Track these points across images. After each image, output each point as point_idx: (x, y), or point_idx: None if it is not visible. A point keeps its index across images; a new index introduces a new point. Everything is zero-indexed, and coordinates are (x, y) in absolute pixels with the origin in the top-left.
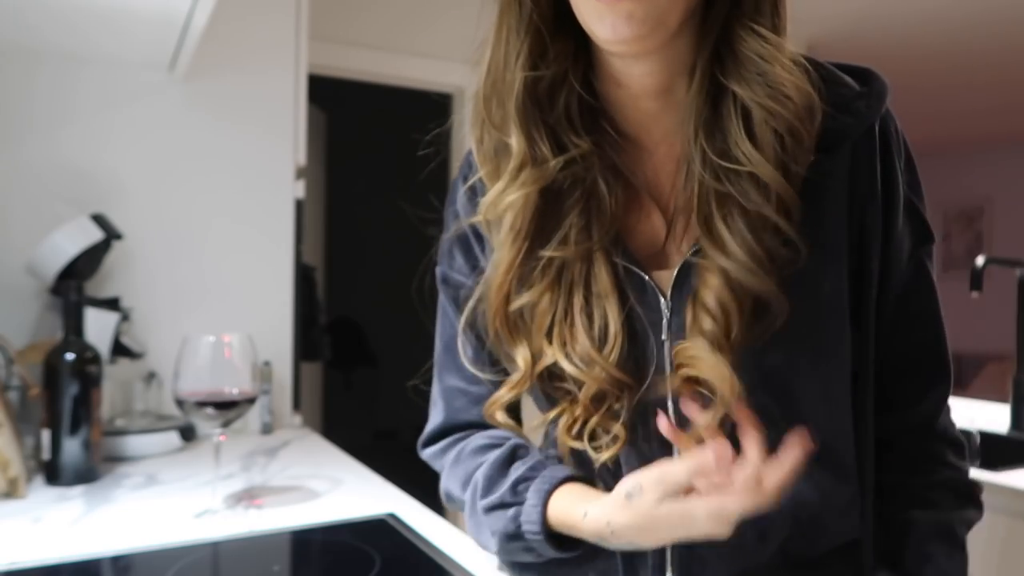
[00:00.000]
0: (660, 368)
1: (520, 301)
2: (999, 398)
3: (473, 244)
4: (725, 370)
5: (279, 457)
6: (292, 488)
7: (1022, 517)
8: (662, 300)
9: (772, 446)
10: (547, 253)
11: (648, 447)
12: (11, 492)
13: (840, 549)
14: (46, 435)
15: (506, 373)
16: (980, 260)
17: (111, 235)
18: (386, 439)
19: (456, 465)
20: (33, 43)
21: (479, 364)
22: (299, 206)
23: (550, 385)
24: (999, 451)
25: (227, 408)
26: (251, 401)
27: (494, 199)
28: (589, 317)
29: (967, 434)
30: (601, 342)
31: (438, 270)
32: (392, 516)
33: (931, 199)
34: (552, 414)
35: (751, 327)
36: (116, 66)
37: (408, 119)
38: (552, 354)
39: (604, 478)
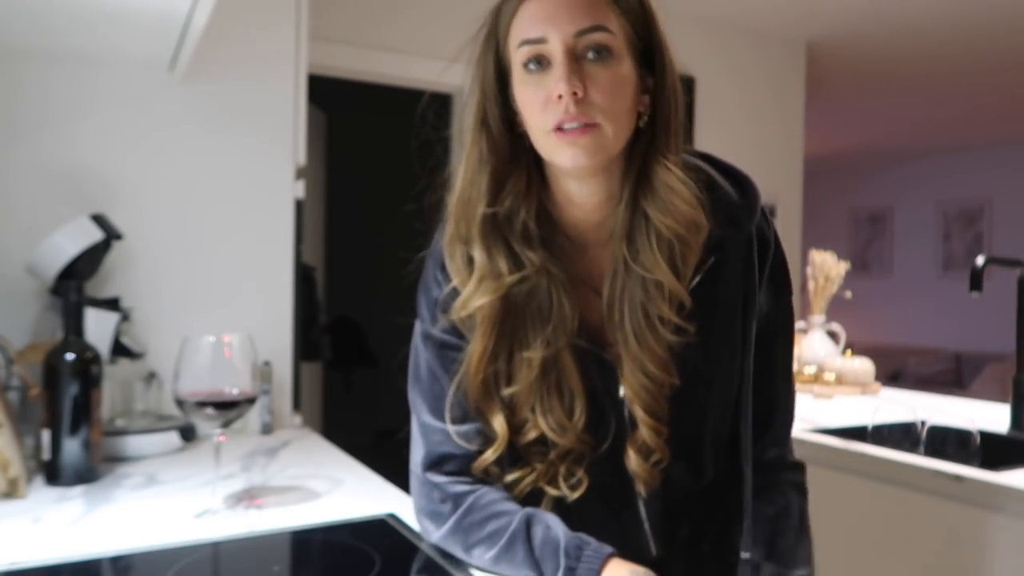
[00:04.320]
0: (620, 421)
1: (510, 391)
2: (999, 398)
3: (459, 324)
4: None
5: (279, 457)
6: (292, 488)
7: (1022, 517)
8: (617, 371)
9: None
10: (527, 355)
11: (609, 484)
12: (11, 492)
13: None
14: (46, 435)
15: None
16: (980, 260)
17: (111, 235)
18: (386, 439)
19: (461, 532)
20: (32, 44)
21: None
22: (299, 206)
23: (528, 445)
24: (999, 451)
25: (227, 408)
26: (251, 401)
27: (462, 303)
28: (560, 393)
29: (967, 434)
30: (570, 412)
31: (419, 326)
32: (392, 516)
33: (931, 199)
34: (520, 474)
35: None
36: (116, 67)
37: (408, 119)
38: (536, 425)
39: (569, 511)
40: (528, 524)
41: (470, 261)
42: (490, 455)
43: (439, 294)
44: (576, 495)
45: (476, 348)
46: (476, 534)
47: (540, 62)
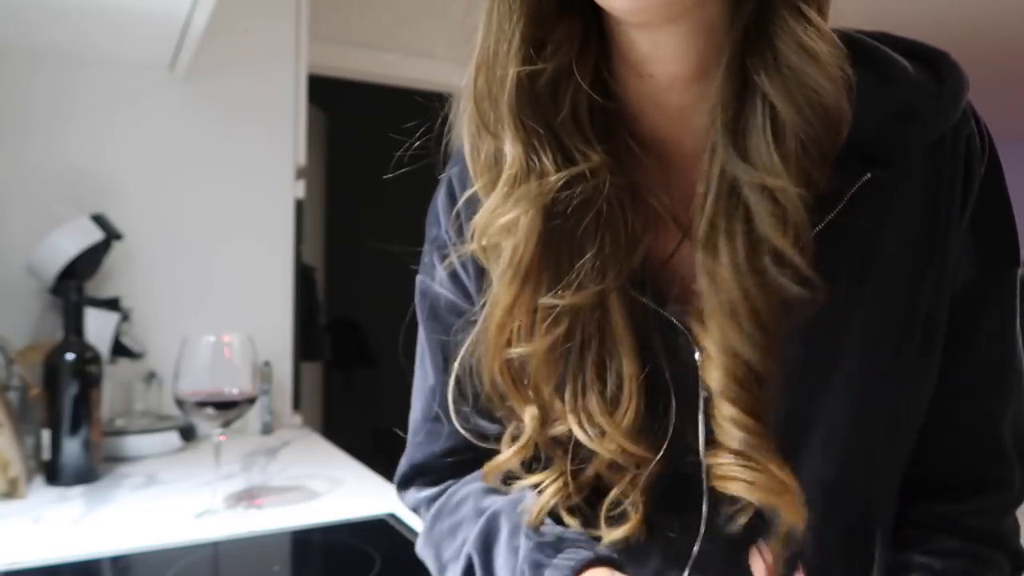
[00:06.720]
0: (689, 432)
1: (519, 351)
2: None
3: (460, 272)
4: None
5: (279, 457)
6: (292, 488)
7: (1021, 517)
8: (696, 348)
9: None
10: (554, 301)
11: (669, 527)
12: (11, 492)
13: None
14: (46, 435)
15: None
16: None
17: (111, 235)
18: (386, 439)
19: (432, 546)
20: (33, 43)
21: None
22: (299, 206)
23: (553, 446)
24: None
25: (227, 408)
26: (251, 401)
27: (486, 220)
28: (598, 370)
29: None
30: (613, 404)
31: (418, 281)
32: (392, 516)
33: None
34: (541, 478)
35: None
36: (116, 66)
37: (408, 120)
38: (565, 418)
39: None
40: (487, 539)
41: (497, 160)
42: (508, 457)
43: (446, 223)
44: (618, 534)
45: (504, 296)
46: (447, 549)
47: None
